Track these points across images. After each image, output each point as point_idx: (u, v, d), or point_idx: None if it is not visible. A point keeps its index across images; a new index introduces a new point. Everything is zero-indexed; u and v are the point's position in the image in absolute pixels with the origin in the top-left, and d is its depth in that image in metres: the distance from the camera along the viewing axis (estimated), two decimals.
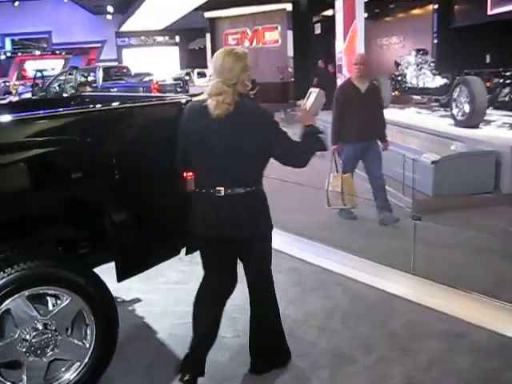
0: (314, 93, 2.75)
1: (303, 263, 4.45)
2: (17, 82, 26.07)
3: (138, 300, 3.82)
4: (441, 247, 4.69)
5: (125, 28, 26.08)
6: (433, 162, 5.98)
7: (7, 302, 2.38)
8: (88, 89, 11.83)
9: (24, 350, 2.46)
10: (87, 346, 2.63)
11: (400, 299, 3.76)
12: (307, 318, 3.53)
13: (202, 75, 24.16)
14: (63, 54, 31.57)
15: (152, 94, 3.87)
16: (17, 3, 24.77)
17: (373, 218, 5.45)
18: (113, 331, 2.71)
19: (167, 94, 4.14)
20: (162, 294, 3.92)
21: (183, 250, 3.11)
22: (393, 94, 11.57)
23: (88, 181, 2.61)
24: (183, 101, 2.99)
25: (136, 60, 25.27)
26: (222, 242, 2.66)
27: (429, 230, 4.82)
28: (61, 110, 2.79)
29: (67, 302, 2.53)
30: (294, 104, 14.30)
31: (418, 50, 11.41)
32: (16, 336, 2.44)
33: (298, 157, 2.67)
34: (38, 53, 31.41)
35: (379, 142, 5.54)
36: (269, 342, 2.90)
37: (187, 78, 22.21)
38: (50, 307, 2.57)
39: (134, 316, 3.62)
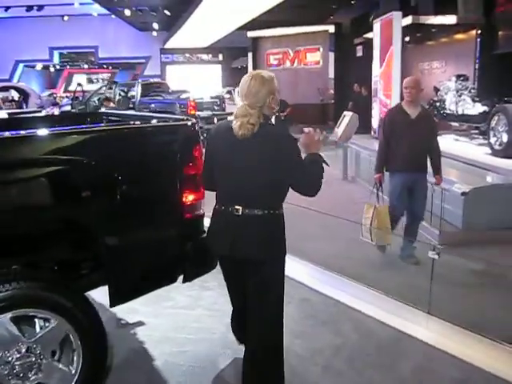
0: (347, 116, 2.67)
1: (316, 293, 4.27)
2: (63, 94, 27.03)
3: (140, 323, 3.73)
4: (464, 285, 4.44)
5: (169, 45, 26.53)
6: (463, 194, 5.71)
7: None
8: (112, 105, 11.98)
9: (6, 372, 2.39)
10: (73, 371, 2.55)
11: (413, 339, 3.54)
12: (313, 355, 3.35)
13: None
14: (110, 68, 32.57)
15: (159, 115, 3.83)
16: (66, 18, 25.61)
17: (396, 249, 5.18)
18: (101, 357, 2.63)
19: (174, 116, 4.09)
20: (166, 319, 3.82)
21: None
22: None
23: (85, 202, 2.56)
24: (189, 123, 2.94)
25: (179, 77, 25.60)
26: (235, 262, 2.63)
27: (453, 266, 4.57)
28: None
29: (53, 325, 2.46)
30: (330, 125, 14.17)
31: (458, 76, 11.08)
32: None
33: (310, 186, 2.64)
34: (85, 66, 32.53)
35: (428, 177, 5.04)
36: (264, 382, 2.71)
37: (227, 96, 22.36)
38: (37, 329, 2.50)
39: (133, 340, 3.53)
